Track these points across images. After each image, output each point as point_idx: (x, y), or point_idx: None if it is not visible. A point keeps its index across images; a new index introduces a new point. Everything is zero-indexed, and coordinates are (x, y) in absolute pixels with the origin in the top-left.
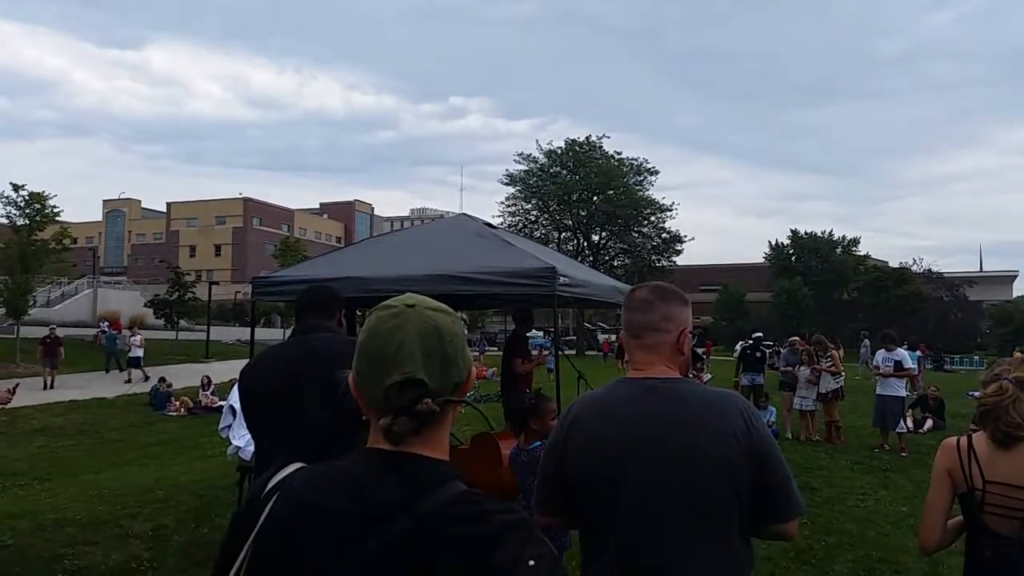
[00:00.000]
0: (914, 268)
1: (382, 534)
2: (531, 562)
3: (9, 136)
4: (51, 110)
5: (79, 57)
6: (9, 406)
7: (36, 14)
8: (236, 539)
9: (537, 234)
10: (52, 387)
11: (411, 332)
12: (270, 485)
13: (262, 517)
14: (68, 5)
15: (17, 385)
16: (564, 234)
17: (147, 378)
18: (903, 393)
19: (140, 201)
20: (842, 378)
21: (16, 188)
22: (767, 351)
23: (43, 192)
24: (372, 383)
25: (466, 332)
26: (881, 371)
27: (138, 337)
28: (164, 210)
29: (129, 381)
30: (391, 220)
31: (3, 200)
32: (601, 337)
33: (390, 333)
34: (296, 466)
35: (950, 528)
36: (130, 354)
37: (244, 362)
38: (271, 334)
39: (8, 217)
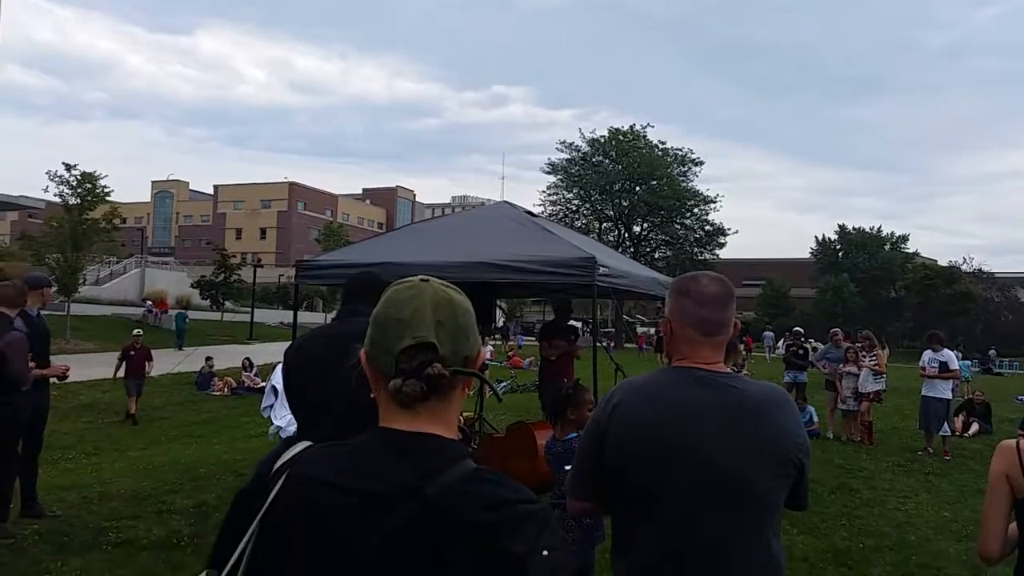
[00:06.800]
0: (964, 267)
1: (395, 513)
2: (544, 552)
3: (63, 117)
4: (103, 92)
5: (130, 42)
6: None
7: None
8: (242, 516)
9: (578, 224)
10: (136, 421)
11: (426, 301)
12: (279, 463)
13: (272, 494)
14: None
15: (68, 369)
16: (605, 224)
17: None
18: (948, 395)
19: (188, 183)
20: (884, 379)
21: (68, 168)
22: (808, 348)
23: (94, 172)
24: (385, 349)
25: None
26: (926, 372)
27: None
28: (211, 193)
29: None
30: (432, 207)
31: (56, 179)
32: (640, 330)
33: (405, 302)
34: (305, 444)
35: (1011, 536)
36: None
37: (286, 344)
38: (313, 317)
39: (60, 196)
